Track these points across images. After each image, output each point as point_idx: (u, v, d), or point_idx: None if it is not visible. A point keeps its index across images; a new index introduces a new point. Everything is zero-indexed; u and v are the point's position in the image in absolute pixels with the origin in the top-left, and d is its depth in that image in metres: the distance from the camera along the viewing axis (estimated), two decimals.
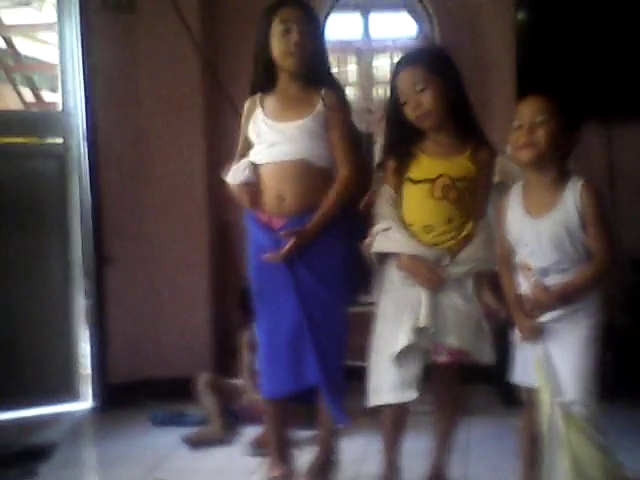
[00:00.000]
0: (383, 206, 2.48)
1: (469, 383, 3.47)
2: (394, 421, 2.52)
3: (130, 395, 3.63)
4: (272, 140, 2.51)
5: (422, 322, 2.35)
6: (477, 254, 2.41)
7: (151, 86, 3.78)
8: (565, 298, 2.23)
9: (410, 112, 2.41)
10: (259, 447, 3.00)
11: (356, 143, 2.62)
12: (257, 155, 2.55)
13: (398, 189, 2.47)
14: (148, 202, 3.82)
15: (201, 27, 3.79)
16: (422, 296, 2.38)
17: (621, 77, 3.59)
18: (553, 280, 2.24)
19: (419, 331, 2.36)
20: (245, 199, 2.54)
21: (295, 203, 2.49)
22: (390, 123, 2.52)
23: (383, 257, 2.47)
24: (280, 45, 2.48)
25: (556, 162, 2.27)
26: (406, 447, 2.56)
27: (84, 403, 3.72)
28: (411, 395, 2.39)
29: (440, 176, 2.39)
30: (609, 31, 3.59)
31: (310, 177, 2.50)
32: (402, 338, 2.36)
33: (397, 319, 2.40)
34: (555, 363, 2.25)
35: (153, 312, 3.80)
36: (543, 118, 2.23)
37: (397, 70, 2.46)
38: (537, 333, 2.26)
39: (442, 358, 2.43)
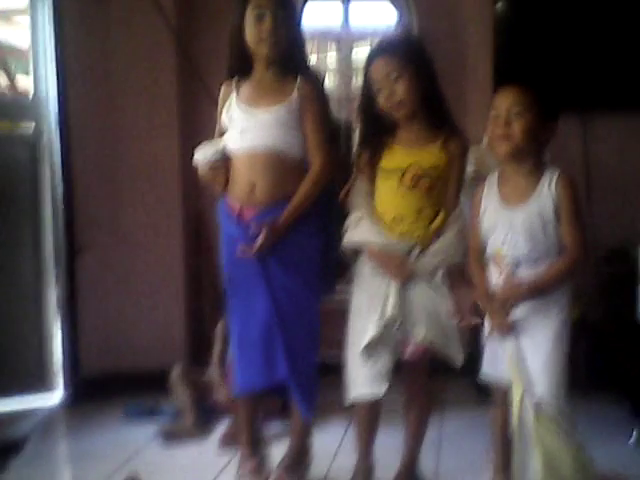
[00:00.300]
0: (357, 196, 2.47)
1: (443, 376, 3.50)
2: (367, 415, 2.52)
3: (103, 388, 3.58)
4: (244, 126, 2.48)
5: (389, 314, 2.35)
6: (448, 247, 2.40)
7: (125, 72, 3.72)
8: (537, 290, 2.24)
9: (383, 101, 2.39)
10: (229, 442, 2.98)
11: (333, 133, 2.60)
12: (229, 141, 2.51)
13: (372, 180, 2.46)
14: (122, 191, 3.77)
15: (176, 13, 3.72)
16: (391, 288, 2.37)
17: (598, 69, 3.59)
18: (525, 272, 2.25)
19: (387, 323, 2.36)
20: (211, 180, 2.51)
21: (266, 193, 2.45)
22: (363, 113, 2.50)
23: (357, 249, 2.46)
24: (253, 31, 2.45)
25: (533, 153, 2.27)
26: (379, 441, 2.56)
27: (56, 396, 3.66)
28: (381, 388, 2.38)
29: (411, 165, 2.39)
30: (586, 24, 3.60)
31: (282, 167, 2.46)
32: (370, 330, 2.36)
33: (368, 312, 2.40)
34: (526, 358, 2.25)
35: (127, 303, 3.76)
36: (520, 110, 2.22)
37: (371, 59, 2.43)
38: (509, 328, 2.26)
39: (411, 352, 2.43)
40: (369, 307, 2.40)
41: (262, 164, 2.45)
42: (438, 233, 2.40)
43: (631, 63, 3.57)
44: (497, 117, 2.25)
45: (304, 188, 2.46)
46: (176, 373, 3.32)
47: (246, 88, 2.53)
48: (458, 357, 2.43)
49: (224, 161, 2.50)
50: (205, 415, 3.25)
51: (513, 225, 2.25)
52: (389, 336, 2.37)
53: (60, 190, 3.66)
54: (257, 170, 2.45)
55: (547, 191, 2.24)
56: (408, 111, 2.39)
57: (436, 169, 2.39)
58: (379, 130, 2.45)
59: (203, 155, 2.49)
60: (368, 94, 2.43)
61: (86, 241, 3.69)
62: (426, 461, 2.67)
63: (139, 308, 3.76)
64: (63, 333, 3.67)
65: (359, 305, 2.45)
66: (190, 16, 3.84)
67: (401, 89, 2.36)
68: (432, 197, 2.40)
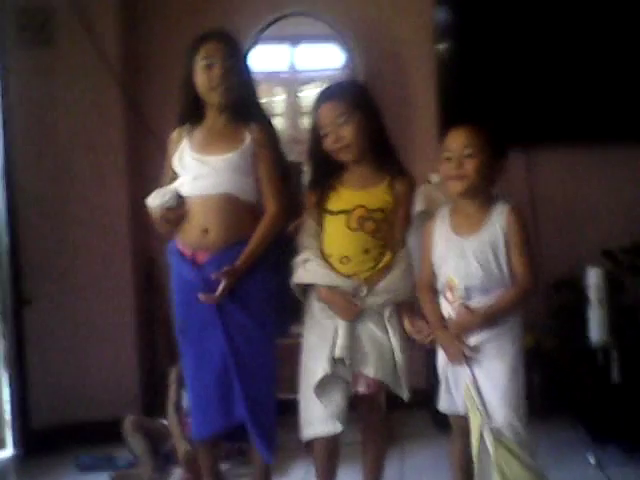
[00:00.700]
0: (305, 237, 2.49)
1: (402, 409, 3.49)
2: (325, 453, 2.49)
3: (55, 440, 3.49)
4: (197, 173, 2.48)
5: (338, 353, 2.35)
6: (395, 284, 2.42)
7: (70, 121, 3.69)
8: (490, 319, 2.26)
9: (331, 144, 2.42)
10: None
11: (285, 174, 2.60)
12: (182, 187, 2.51)
13: (320, 220, 2.48)
14: (69, 241, 3.70)
15: (121, 61, 3.73)
16: (339, 327, 2.38)
17: (539, 106, 3.69)
18: (477, 302, 2.27)
19: (337, 362, 2.35)
20: (165, 224, 2.50)
21: (219, 236, 2.46)
22: (311, 157, 2.53)
23: (306, 289, 2.47)
24: (203, 80, 2.47)
25: (483, 189, 2.32)
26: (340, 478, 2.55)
27: (6, 452, 3.53)
28: (336, 427, 2.38)
29: (356, 207, 2.41)
30: (526, 62, 3.70)
31: (235, 211, 2.48)
32: (320, 369, 2.36)
33: (318, 351, 2.40)
34: (484, 389, 2.26)
35: (77, 354, 3.68)
36: (471, 151, 2.27)
37: (318, 103, 2.47)
38: (463, 357, 2.27)
39: (361, 388, 2.43)
40: (319, 346, 2.40)
41: (215, 209, 2.45)
42: (385, 272, 2.42)
43: (571, 99, 3.67)
44: (450, 158, 2.30)
45: (260, 232, 2.47)
46: (129, 422, 3.23)
47: (198, 134, 2.55)
48: (405, 391, 2.44)
49: (177, 205, 2.49)
50: (162, 463, 3.17)
51: (465, 253, 2.28)
52: (340, 375, 2.37)
53: (5, 241, 3.58)
54: (210, 215, 2.45)
55: (498, 222, 2.28)
56: (355, 154, 2.43)
57: (382, 211, 2.42)
58: (327, 172, 2.48)
59: (156, 200, 2.48)
60: (316, 138, 2.46)
61: (34, 292, 3.61)
62: None
63: (90, 358, 3.67)
64: (11, 386, 3.55)
65: (310, 345, 2.45)
66: (136, 64, 3.86)
67: (348, 133, 2.39)
68: (378, 237, 2.42)
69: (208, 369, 2.49)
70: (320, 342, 2.40)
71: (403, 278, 2.43)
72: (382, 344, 2.41)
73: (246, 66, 2.60)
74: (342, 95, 2.45)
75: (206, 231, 2.45)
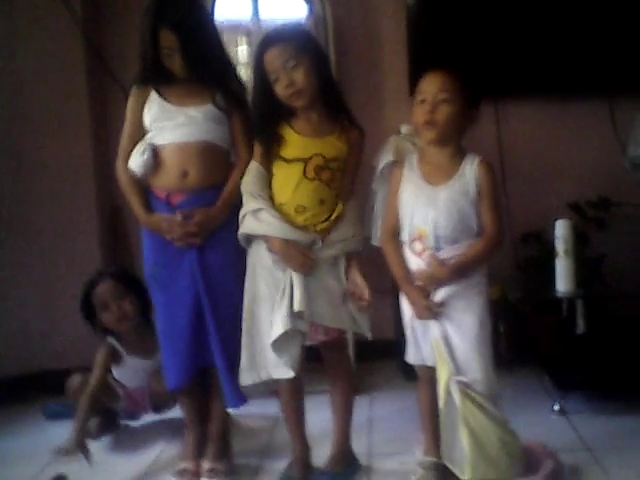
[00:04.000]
0: (252, 184, 2.43)
1: (370, 360, 3.54)
2: (291, 402, 2.54)
3: (21, 389, 3.47)
4: (175, 123, 2.50)
5: (297, 307, 2.34)
6: (346, 234, 2.43)
7: (31, 67, 3.61)
8: (460, 272, 2.28)
9: (282, 90, 2.37)
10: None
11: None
12: (158, 137, 2.51)
13: (269, 168, 2.45)
14: (33, 188, 3.65)
15: (82, 4, 3.62)
16: (295, 280, 2.36)
17: (509, 57, 3.67)
18: (446, 254, 2.28)
19: (295, 315, 2.35)
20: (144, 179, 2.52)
21: (198, 178, 2.50)
22: (257, 104, 2.48)
23: (251, 237, 2.45)
24: (167, 63, 2.46)
25: (455, 138, 2.32)
26: (313, 426, 2.60)
27: None
28: (288, 374, 2.38)
29: (314, 155, 2.39)
30: (496, 11, 3.66)
31: (212, 156, 2.53)
32: (279, 325, 2.35)
33: (270, 302, 2.39)
34: (452, 342, 2.29)
35: (42, 302, 3.65)
36: (447, 96, 2.26)
37: (264, 47, 2.39)
38: (431, 311, 2.29)
39: (320, 337, 2.46)
40: (270, 296, 2.39)
41: (194, 154, 2.50)
42: (338, 223, 2.42)
43: (540, 51, 3.66)
44: (423, 101, 2.28)
45: (235, 177, 2.51)
46: (76, 381, 3.09)
47: (170, 88, 2.53)
48: (366, 331, 2.47)
49: (154, 162, 2.50)
50: (110, 421, 3.14)
51: (436, 202, 2.28)
52: (297, 327, 2.37)
53: None
54: (190, 159, 2.49)
55: (469, 173, 2.29)
56: (307, 99, 2.39)
57: (337, 160, 2.40)
58: (275, 119, 2.43)
59: (136, 160, 2.50)
60: (263, 83, 2.40)
61: None
62: (358, 443, 2.69)
63: (55, 307, 3.64)
64: None
65: (259, 293, 2.42)
66: (96, 9, 3.76)
67: (299, 77, 2.35)
68: (333, 187, 2.41)
69: (181, 313, 2.52)
70: (272, 293, 2.39)
71: (354, 227, 2.44)
72: (336, 294, 2.42)
73: (207, 38, 2.50)
74: (289, 39, 2.39)
75: (185, 174, 2.49)
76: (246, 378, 2.44)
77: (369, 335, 2.47)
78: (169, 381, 2.61)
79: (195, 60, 2.45)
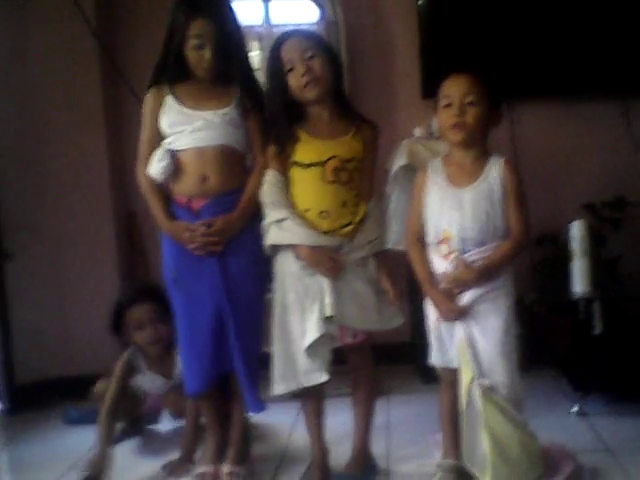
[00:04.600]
0: (272, 193, 2.43)
1: (388, 363, 3.54)
2: (314, 407, 2.53)
3: (40, 395, 3.50)
4: (193, 127, 2.48)
5: (328, 312, 2.34)
6: (372, 235, 2.43)
7: (46, 74, 3.64)
8: (487, 274, 2.27)
9: (297, 80, 2.37)
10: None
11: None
12: (176, 142, 2.51)
13: (284, 173, 2.45)
14: (48, 194, 3.68)
15: (96, 10, 3.64)
16: (325, 285, 2.37)
17: (523, 59, 3.67)
18: (472, 256, 2.27)
19: (326, 320, 2.36)
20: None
21: (219, 183, 2.49)
22: (270, 104, 2.48)
23: (278, 246, 2.44)
24: (194, 57, 2.45)
25: (480, 140, 2.32)
26: (331, 430, 2.59)
27: None
28: (322, 378, 2.39)
29: (330, 158, 2.38)
30: (507, 12, 3.67)
31: (231, 160, 2.52)
32: (312, 330, 2.36)
33: (301, 308, 2.40)
34: (478, 345, 2.28)
35: (60, 308, 3.68)
36: (473, 99, 2.26)
37: (282, 39, 2.42)
38: (458, 313, 2.28)
39: (348, 340, 2.46)
40: (301, 303, 2.40)
41: (213, 158, 2.49)
42: (361, 224, 2.42)
43: (555, 53, 3.66)
44: (449, 105, 2.28)
45: (252, 183, 2.50)
46: (101, 388, 3.05)
47: (186, 91, 2.53)
48: (398, 321, 2.48)
49: (173, 168, 2.51)
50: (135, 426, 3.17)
51: (462, 204, 2.28)
52: (328, 331, 2.37)
53: None
54: (209, 164, 2.48)
55: (495, 174, 2.29)
56: (321, 90, 2.39)
57: (354, 160, 2.40)
58: (288, 120, 2.43)
59: (155, 167, 2.50)
60: (277, 81, 2.42)
61: (15, 247, 3.58)
62: (376, 446, 2.69)
63: (73, 312, 3.68)
64: None
65: (288, 301, 2.42)
66: (112, 17, 3.78)
67: (316, 66, 2.36)
68: (352, 188, 2.41)
69: (202, 318, 2.51)
70: (301, 300, 2.40)
71: (379, 227, 2.44)
72: (364, 296, 2.42)
73: (237, 38, 2.51)
74: (307, 34, 2.46)
75: (205, 178, 2.48)
76: (279, 388, 2.43)
77: (401, 322, 2.47)
78: (188, 386, 2.61)
79: (224, 55, 2.44)
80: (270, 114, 2.48)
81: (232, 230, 2.48)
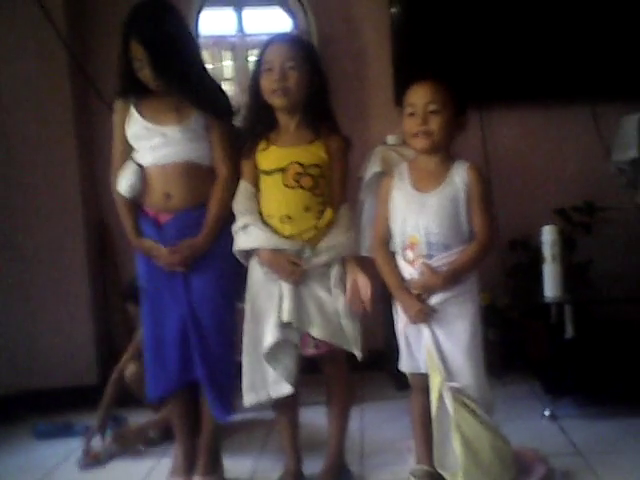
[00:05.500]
0: (241, 202, 2.46)
1: (362, 370, 3.53)
2: (287, 417, 2.53)
3: (11, 409, 3.45)
4: (154, 143, 2.48)
5: (285, 317, 2.35)
6: (337, 241, 2.41)
7: (15, 83, 3.59)
8: (454, 279, 2.28)
9: (269, 82, 2.39)
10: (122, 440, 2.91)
11: (237, 140, 2.56)
12: (140, 158, 2.51)
13: (254, 182, 2.47)
14: (17, 205, 3.63)
15: (67, 21, 3.62)
16: (284, 290, 2.37)
17: (492, 65, 3.70)
18: (438, 261, 2.28)
19: (284, 326, 2.35)
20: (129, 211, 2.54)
21: (181, 200, 2.49)
22: (249, 101, 2.49)
23: (248, 254, 2.45)
24: (140, 76, 2.44)
25: (445, 145, 2.33)
26: (305, 437, 2.59)
27: None
28: (287, 389, 2.39)
29: (291, 163, 2.40)
30: (479, 21, 3.70)
31: (195, 176, 2.50)
32: (268, 336, 2.36)
33: (263, 316, 2.40)
34: (445, 348, 2.29)
35: (30, 320, 3.62)
36: (436, 107, 2.27)
37: (273, 39, 2.45)
38: (425, 316, 2.29)
39: (311, 350, 2.44)
40: (265, 312, 2.40)
41: (177, 176, 2.48)
42: (327, 230, 2.41)
43: (524, 59, 3.69)
44: (413, 115, 2.30)
45: (216, 197, 2.49)
46: (132, 370, 3.07)
47: (148, 105, 2.51)
48: (357, 350, 2.42)
49: (141, 184, 2.51)
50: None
51: (427, 209, 2.29)
52: (288, 338, 2.38)
53: None
54: (172, 182, 2.48)
55: (459, 178, 2.30)
56: (290, 103, 2.41)
57: (318, 167, 2.41)
58: (258, 122, 2.46)
59: (122, 185, 2.50)
60: (256, 78, 2.44)
61: None
62: (350, 453, 2.68)
63: (44, 325, 3.62)
64: None
65: (256, 310, 2.43)
66: (81, 25, 3.77)
67: (293, 78, 2.38)
68: (318, 194, 2.41)
69: (167, 329, 2.52)
70: (264, 307, 2.40)
71: (346, 234, 2.43)
72: (326, 304, 2.40)
73: (182, 50, 2.47)
74: (296, 43, 2.46)
75: (168, 196, 2.48)
76: (248, 399, 2.43)
77: (359, 355, 2.42)
78: (149, 390, 2.59)
79: (165, 73, 2.42)
80: (244, 116, 2.50)
81: (197, 253, 2.48)
